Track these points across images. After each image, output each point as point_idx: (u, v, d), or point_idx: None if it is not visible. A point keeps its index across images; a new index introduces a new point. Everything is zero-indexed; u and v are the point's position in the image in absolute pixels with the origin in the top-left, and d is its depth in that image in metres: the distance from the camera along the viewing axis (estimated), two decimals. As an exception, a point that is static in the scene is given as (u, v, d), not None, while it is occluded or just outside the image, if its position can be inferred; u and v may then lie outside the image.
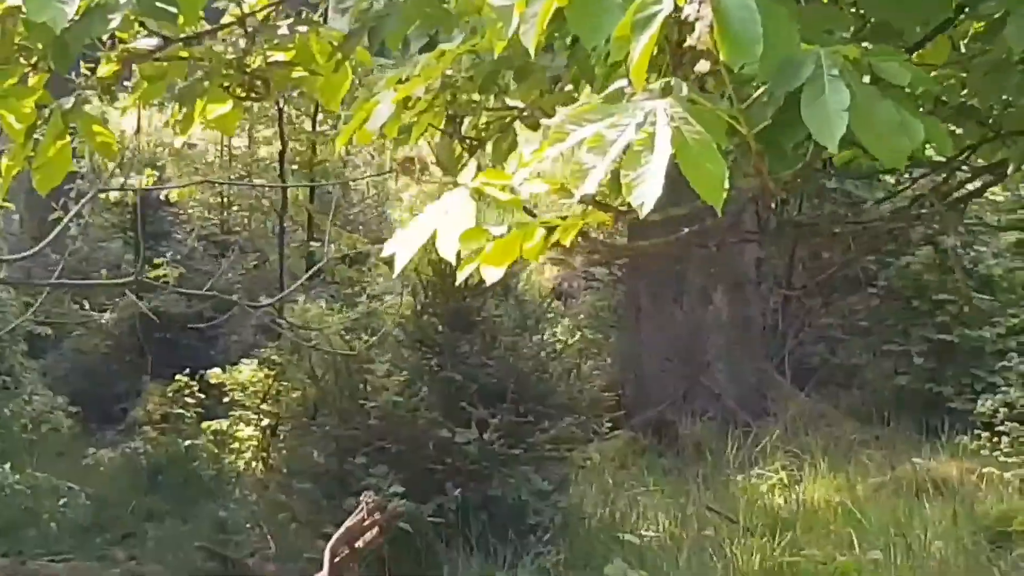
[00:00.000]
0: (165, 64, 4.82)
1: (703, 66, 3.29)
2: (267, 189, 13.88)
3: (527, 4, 3.25)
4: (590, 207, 3.35)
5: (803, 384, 14.09)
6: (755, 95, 3.17)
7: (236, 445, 12.84)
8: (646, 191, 2.82)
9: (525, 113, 5.58)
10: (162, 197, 14.50)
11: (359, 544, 6.73)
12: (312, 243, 14.07)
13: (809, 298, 14.70)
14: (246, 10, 4.63)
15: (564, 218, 3.38)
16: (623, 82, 3.31)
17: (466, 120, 5.53)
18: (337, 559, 6.63)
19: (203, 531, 10.74)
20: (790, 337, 14.33)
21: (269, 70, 4.78)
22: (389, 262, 3.38)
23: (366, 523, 6.73)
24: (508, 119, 5.76)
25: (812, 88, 2.89)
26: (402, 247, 3.27)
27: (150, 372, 14.90)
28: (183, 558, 10.23)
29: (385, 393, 9.58)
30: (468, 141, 5.58)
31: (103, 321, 15.67)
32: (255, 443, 13.04)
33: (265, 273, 15.96)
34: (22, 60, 4.48)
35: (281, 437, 12.72)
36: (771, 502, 11.25)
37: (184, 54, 4.77)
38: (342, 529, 6.76)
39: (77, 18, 4.19)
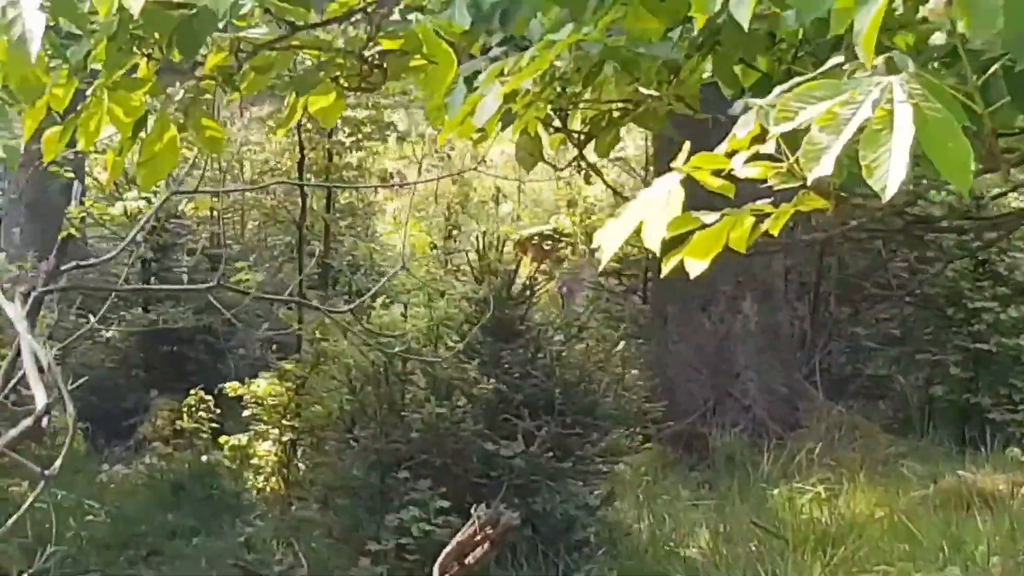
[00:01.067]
0: (273, 54, 4.51)
1: (938, 38, 3.05)
2: (282, 197, 13.56)
3: (737, -24, 2.97)
4: (806, 192, 3.06)
5: (834, 395, 13.81)
6: (990, 70, 2.93)
7: (256, 460, 12.49)
8: (889, 173, 2.57)
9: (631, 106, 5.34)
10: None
11: (469, 560, 6.41)
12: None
13: (839, 306, 14.43)
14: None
15: (775, 205, 3.09)
16: (838, 58, 3.07)
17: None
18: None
19: (230, 549, 10.41)
20: (819, 347, 14.05)
21: (385, 59, 4.48)
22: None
23: (477, 537, 6.41)
24: (611, 112, 5.49)
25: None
26: (609, 238, 3.00)
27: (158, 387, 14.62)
28: (214, 577, 9.94)
29: (428, 405, 9.26)
30: (577, 135, 5.30)
31: (109, 335, 15.31)
32: (275, 458, 12.70)
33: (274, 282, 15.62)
34: (135, 50, 4.17)
35: (301, 452, 12.43)
36: (813, 516, 10.94)
37: (295, 43, 4.48)
38: (452, 544, 6.46)
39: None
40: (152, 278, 14.67)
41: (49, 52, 4.04)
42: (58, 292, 7.76)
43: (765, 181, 2.96)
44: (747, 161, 2.94)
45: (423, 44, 4.64)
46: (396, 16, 4.60)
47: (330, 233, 13.94)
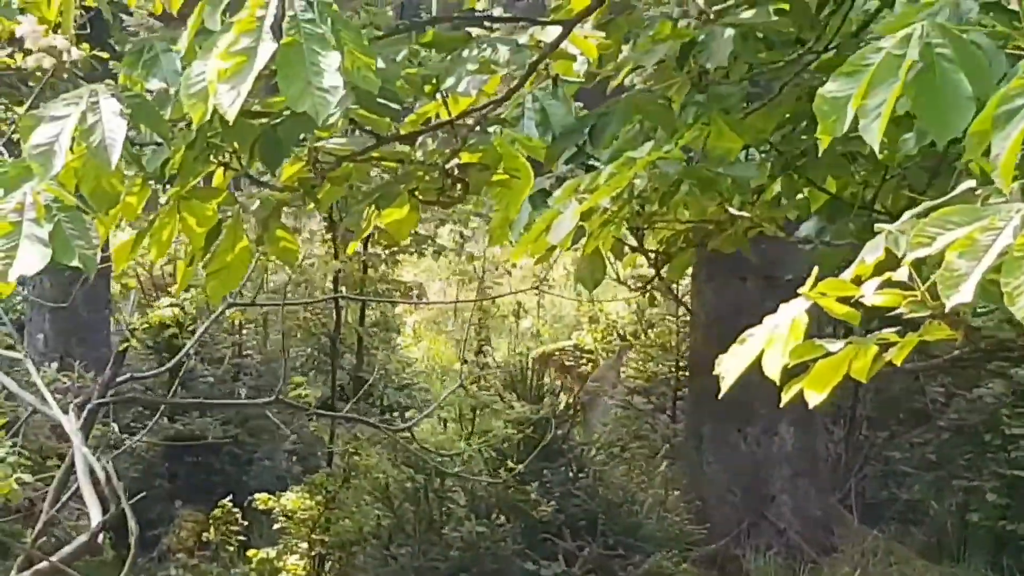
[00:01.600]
0: (349, 166, 4.47)
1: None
2: (315, 308, 13.50)
3: (867, 96, 2.92)
4: (934, 321, 3.00)
5: (868, 519, 13.64)
6: None
7: (284, 575, 12.32)
8: (1034, 299, 2.52)
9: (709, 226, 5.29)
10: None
11: None
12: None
13: (875, 430, 14.28)
14: (454, 112, 4.31)
15: (902, 333, 3.04)
16: (969, 183, 3.03)
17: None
18: None
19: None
20: (855, 471, 13.90)
21: (467, 172, 4.44)
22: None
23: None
24: (687, 232, 5.44)
25: None
26: (733, 364, 2.95)
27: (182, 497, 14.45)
28: None
29: (467, 523, 9.15)
30: (655, 255, 5.26)
31: (134, 444, 15.18)
32: (303, 572, 12.54)
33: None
34: (212, 158, 4.12)
35: (329, 567, 12.29)
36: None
37: (376, 155, 4.44)
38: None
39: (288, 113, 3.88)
40: (179, 387, 14.56)
41: (124, 159, 3.98)
42: (113, 404, 7.69)
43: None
44: (878, 288, 2.89)
45: (502, 158, 4.62)
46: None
47: (363, 346, 13.86)
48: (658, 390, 15.95)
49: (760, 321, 2.95)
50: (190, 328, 14.21)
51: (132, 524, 5.16)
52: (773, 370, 2.95)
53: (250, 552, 12.69)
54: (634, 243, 5.09)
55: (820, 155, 3.87)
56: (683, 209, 5.00)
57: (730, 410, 13.37)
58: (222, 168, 4.21)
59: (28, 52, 5.65)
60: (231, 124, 3.90)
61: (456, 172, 4.45)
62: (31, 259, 3.46)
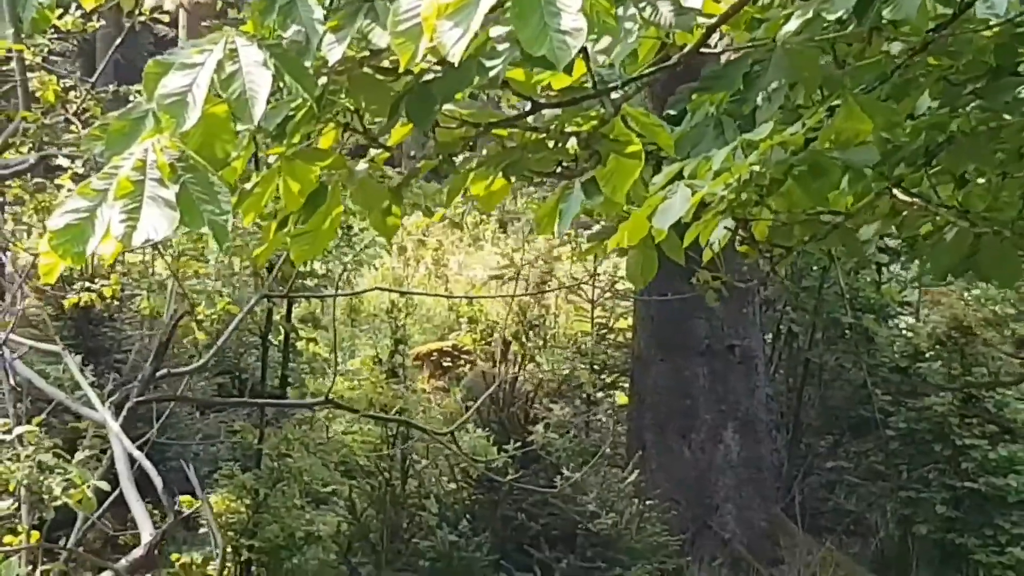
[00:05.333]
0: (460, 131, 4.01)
1: None
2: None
3: None
4: None
5: (812, 530, 13.35)
6: None
7: (206, 581, 11.73)
8: None
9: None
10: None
11: None
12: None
13: (818, 439, 14.00)
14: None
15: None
16: None
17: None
18: None
19: None
20: (798, 479, 13.59)
21: (598, 142, 3.99)
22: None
23: None
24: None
25: None
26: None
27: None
28: None
29: (439, 532, 8.65)
30: (767, 248, 4.84)
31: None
32: (227, 578, 11.97)
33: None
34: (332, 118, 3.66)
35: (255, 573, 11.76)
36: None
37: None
38: None
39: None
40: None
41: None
42: (155, 402, 7.13)
43: None
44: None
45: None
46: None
47: (289, 342, 13.29)
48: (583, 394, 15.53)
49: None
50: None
51: (218, 540, 4.62)
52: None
53: (172, 556, 12.10)
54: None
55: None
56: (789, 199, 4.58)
57: (673, 417, 13.04)
58: (333, 129, 3.76)
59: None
60: (355, 82, 3.47)
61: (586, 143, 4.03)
62: (157, 223, 3.08)
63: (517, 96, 3.70)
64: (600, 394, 14.63)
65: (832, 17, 3.74)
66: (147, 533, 5.50)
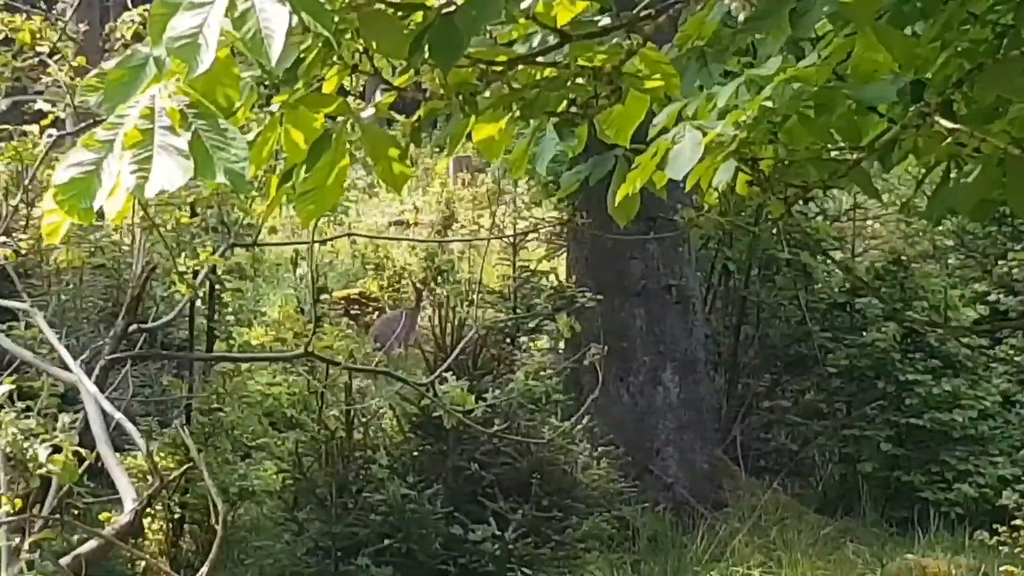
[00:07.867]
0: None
1: None
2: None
3: None
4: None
5: (754, 471, 13.13)
6: None
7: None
8: None
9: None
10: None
11: None
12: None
13: (757, 378, 13.75)
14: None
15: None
16: None
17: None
18: None
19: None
20: (737, 420, 13.35)
21: (620, 77, 3.67)
22: None
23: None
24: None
25: None
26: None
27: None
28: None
29: (390, 485, 8.29)
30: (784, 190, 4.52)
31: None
32: (161, 537, 11.62)
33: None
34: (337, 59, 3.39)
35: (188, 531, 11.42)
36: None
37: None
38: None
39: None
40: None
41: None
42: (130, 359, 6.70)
43: None
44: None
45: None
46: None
47: (213, 293, 12.85)
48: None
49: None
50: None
51: (220, 507, 4.23)
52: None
53: (103, 515, 11.68)
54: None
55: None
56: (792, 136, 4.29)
57: (611, 359, 12.73)
58: (337, 74, 3.52)
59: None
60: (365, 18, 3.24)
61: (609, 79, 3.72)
62: (171, 172, 2.85)
63: (542, 28, 3.37)
64: (524, 339, 14.28)
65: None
66: (130, 499, 5.11)
